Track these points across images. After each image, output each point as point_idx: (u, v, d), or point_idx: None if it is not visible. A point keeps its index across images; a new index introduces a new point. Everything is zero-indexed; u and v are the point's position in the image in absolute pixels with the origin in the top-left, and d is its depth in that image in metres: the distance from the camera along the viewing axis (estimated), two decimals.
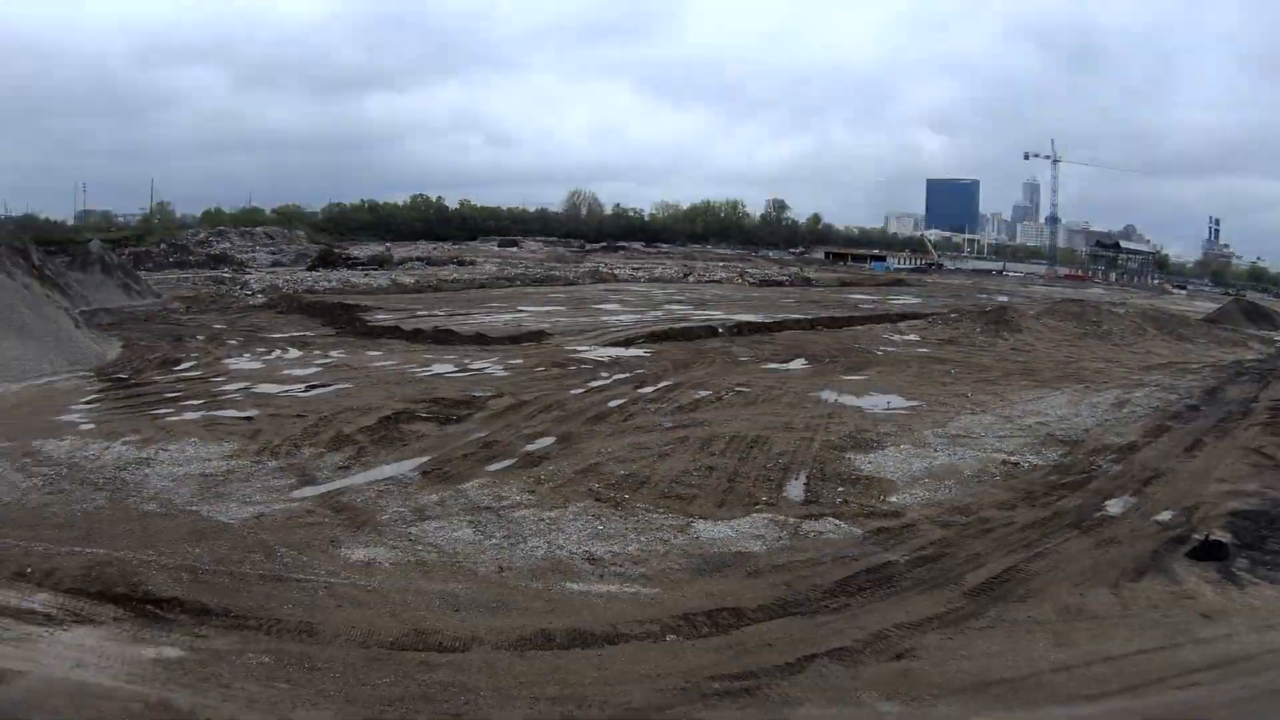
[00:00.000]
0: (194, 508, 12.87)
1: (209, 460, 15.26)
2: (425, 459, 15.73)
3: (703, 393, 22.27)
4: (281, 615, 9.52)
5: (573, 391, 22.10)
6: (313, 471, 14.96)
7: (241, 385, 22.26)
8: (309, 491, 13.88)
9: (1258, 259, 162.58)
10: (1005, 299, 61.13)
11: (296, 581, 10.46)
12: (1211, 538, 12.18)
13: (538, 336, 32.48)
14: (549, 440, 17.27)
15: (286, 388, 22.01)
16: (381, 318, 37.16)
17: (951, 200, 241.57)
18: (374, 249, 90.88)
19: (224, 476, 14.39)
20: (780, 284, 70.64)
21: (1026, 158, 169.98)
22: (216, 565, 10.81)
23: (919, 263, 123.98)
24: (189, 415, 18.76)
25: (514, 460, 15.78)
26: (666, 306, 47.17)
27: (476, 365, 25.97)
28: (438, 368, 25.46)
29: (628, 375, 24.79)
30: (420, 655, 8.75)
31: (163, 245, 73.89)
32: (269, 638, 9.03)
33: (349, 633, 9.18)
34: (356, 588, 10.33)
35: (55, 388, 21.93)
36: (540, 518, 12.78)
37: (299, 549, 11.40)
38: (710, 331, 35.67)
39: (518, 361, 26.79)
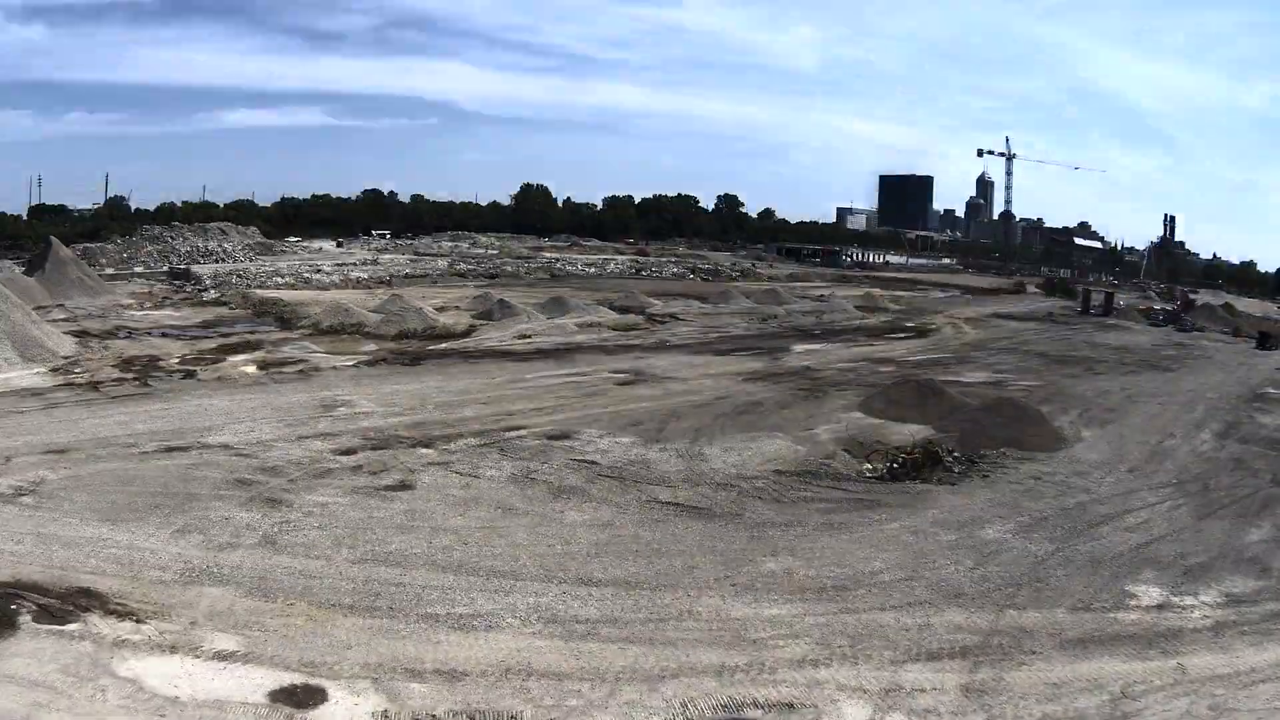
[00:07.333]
0: None
1: None
2: None
3: None
4: None
5: None
6: None
7: None
8: None
9: (1214, 256, 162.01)
10: None
11: None
12: None
13: None
14: None
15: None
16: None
17: (904, 196, 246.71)
18: (327, 244, 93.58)
19: None
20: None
21: (980, 154, 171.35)
22: None
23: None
24: None
25: None
26: None
27: None
28: None
29: None
30: None
31: (117, 240, 75.97)
32: None
33: None
34: None
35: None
36: None
37: None
38: None
39: None
